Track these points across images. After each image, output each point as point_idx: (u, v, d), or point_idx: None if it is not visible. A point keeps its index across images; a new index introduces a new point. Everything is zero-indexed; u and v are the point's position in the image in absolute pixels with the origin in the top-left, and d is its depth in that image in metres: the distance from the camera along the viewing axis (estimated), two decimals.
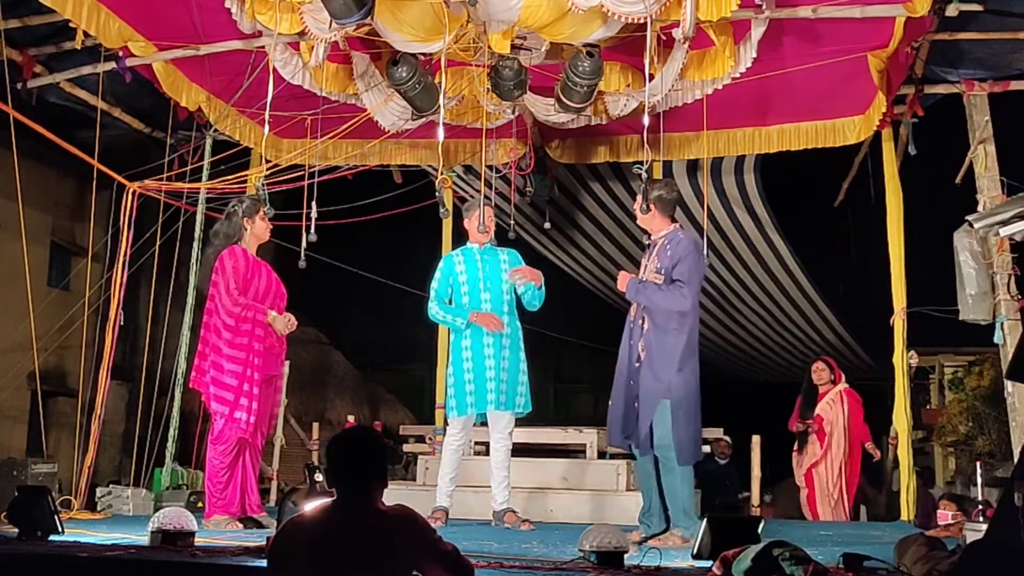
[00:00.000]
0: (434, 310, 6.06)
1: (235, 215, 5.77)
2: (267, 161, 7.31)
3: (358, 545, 2.79)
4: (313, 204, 6.28)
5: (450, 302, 6.08)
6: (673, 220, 5.26)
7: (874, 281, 7.46)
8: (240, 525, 5.52)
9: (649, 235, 5.37)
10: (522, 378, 6.05)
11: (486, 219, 6.07)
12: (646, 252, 5.35)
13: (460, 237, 6.53)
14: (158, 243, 7.90)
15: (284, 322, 5.71)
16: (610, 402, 5.25)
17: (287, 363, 7.19)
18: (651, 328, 5.07)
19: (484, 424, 6.18)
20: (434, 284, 6.11)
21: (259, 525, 5.57)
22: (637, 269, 5.39)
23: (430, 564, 2.89)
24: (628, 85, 6.56)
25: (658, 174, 5.89)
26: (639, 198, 5.24)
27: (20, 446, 8.72)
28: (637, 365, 5.09)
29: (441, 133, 5.92)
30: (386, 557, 2.80)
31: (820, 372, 7.95)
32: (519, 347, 6.07)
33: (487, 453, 6.21)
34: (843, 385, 7.85)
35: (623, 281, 5.20)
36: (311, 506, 3.22)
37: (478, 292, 6.03)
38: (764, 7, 5.69)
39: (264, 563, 3.55)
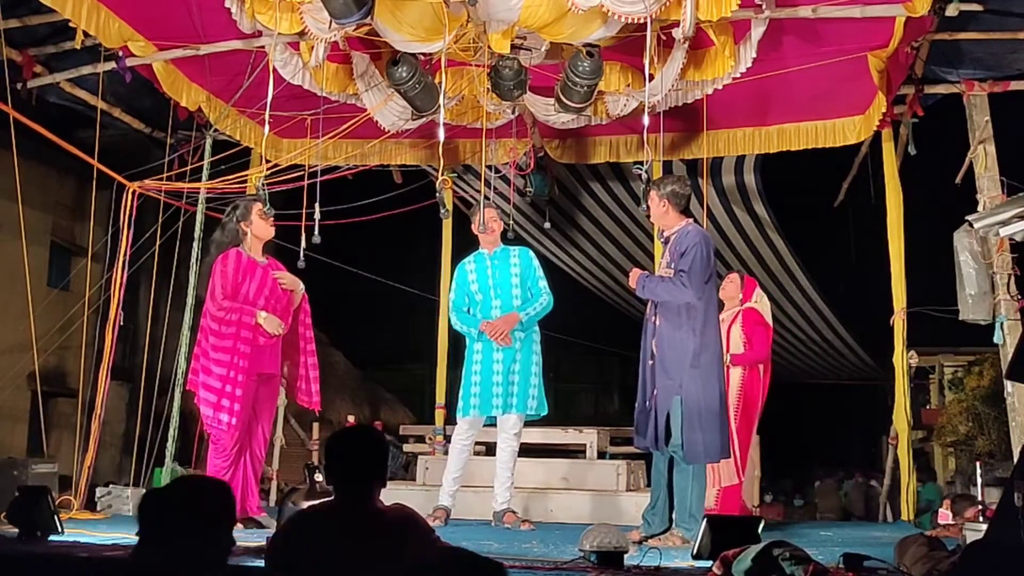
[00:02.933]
0: (453, 320, 6.17)
1: (229, 222, 5.79)
2: (267, 161, 7.31)
3: (357, 545, 2.78)
4: (316, 204, 6.28)
5: (468, 310, 6.12)
6: (686, 216, 5.27)
7: (874, 281, 7.46)
8: (240, 525, 5.53)
9: (663, 232, 5.39)
10: (534, 380, 6.03)
11: (488, 219, 6.09)
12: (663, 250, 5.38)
13: (461, 237, 6.55)
14: (158, 243, 7.90)
15: (275, 323, 5.69)
16: (636, 403, 5.27)
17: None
18: (663, 324, 5.08)
19: (492, 425, 6.18)
20: (451, 295, 6.19)
21: (259, 525, 5.58)
22: (637, 268, 5.41)
23: None
24: (628, 85, 6.56)
25: (658, 174, 5.89)
26: (652, 198, 5.24)
27: (20, 446, 8.71)
28: (651, 363, 5.10)
29: (441, 133, 5.92)
30: (385, 557, 2.79)
31: (727, 286, 6.35)
32: (532, 350, 6.06)
33: (487, 453, 6.23)
34: (748, 305, 6.33)
35: (633, 277, 5.21)
36: (310, 506, 3.22)
37: (489, 300, 6.06)
38: (764, 7, 5.69)
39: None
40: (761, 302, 6.37)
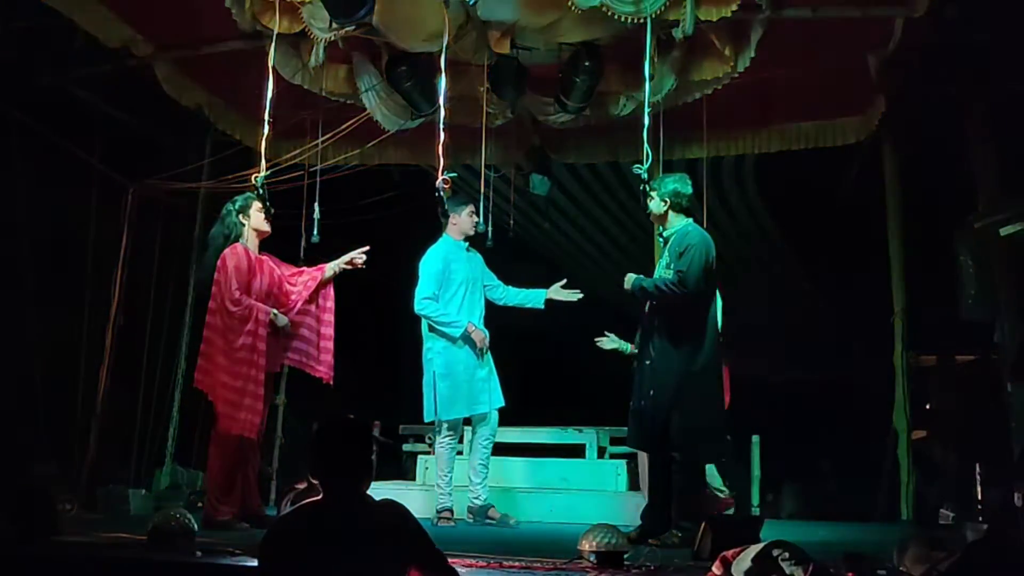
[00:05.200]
0: (429, 310, 6.09)
1: (229, 215, 5.80)
2: (267, 161, 7.30)
3: (349, 539, 2.74)
4: (316, 204, 6.29)
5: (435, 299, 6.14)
6: (687, 215, 5.26)
7: (874, 281, 7.46)
8: (247, 525, 5.53)
9: (663, 231, 5.39)
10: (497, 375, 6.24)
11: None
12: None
13: None
14: (158, 243, 7.89)
15: (284, 320, 5.73)
16: (631, 403, 5.27)
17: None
18: (661, 325, 5.08)
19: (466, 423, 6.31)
20: (429, 282, 6.13)
21: (262, 524, 5.57)
22: (637, 270, 5.41)
23: (419, 561, 2.85)
24: (627, 85, 6.55)
25: (658, 174, 5.89)
26: (652, 197, 5.24)
27: (20, 446, 8.68)
28: (648, 363, 5.10)
29: (441, 133, 5.91)
30: (378, 551, 2.76)
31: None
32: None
33: (500, 452, 6.37)
34: None
35: (628, 282, 5.20)
36: (299, 504, 3.19)
37: (472, 293, 6.14)
38: (764, 7, 5.69)
39: None
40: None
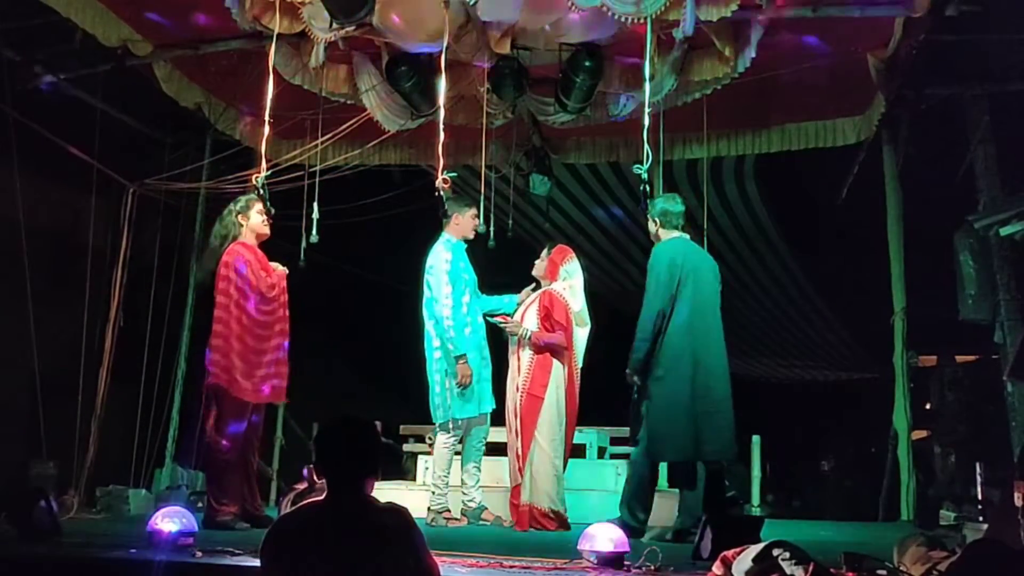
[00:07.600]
0: (452, 323, 6.00)
1: (229, 214, 5.81)
2: (267, 161, 7.29)
3: (352, 540, 2.74)
4: (315, 204, 6.29)
5: None
6: (679, 231, 5.44)
7: (874, 281, 7.46)
8: (247, 525, 5.53)
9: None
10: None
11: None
12: None
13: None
14: (158, 243, 7.89)
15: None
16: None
17: None
18: (635, 331, 5.41)
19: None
20: (447, 281, 6.05)
21: (262, 524, 5.57)
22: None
23: (414, 571, 2.82)
24: (628, 85, 6.56)
25: (658, 174, 5.91)
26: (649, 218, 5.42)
27: (20, 446, 8.68)
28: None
29: (441, 133, 5.92)
30: (379, 554, 2.74)
31: (537, 264, 6.16)
32: None
33: (493, 453, 6.34)
34: (550, 287, 6.03)
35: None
36: (301, 503, 3.19)
37: (474, 294, 6.17)
38: (764, 7, 5.69)
39: None
40: (569, 280, 6.07)
